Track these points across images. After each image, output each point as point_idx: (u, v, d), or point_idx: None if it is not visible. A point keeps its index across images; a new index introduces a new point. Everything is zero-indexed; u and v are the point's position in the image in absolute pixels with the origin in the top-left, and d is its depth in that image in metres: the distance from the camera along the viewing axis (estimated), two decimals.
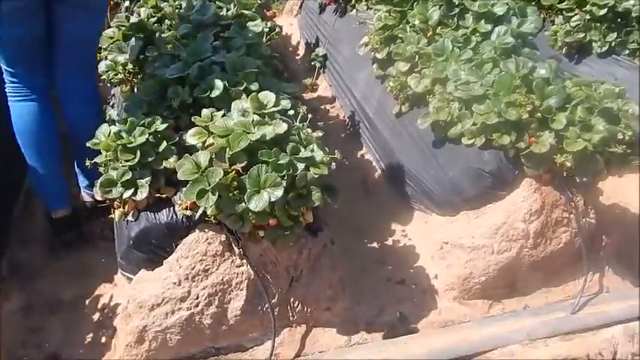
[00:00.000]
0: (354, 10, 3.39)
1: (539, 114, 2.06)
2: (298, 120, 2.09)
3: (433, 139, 2.37)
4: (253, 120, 1.93)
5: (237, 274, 1.84)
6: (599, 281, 2.24)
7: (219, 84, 2.11)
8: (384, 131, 2.75)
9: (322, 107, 3.49)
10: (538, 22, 2.57)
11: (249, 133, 1.84)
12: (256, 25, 2.53)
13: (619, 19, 3.06)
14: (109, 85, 2.72)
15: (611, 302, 2.15)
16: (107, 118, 2.53)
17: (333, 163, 1.94)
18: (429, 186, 2.36)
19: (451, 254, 2.20)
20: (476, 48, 2.43)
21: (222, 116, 2.00)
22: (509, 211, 2.11)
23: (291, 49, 4.23)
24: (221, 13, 2.64)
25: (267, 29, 2.56)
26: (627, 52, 3.01)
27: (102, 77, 2.63)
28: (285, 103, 2.13)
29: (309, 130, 2.05)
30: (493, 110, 2.08)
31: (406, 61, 2.57)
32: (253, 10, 2.78)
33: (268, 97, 2.04)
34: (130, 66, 2.60)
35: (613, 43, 3.04)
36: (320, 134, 2.05)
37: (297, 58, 4.11)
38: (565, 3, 3.22)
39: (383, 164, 2.80)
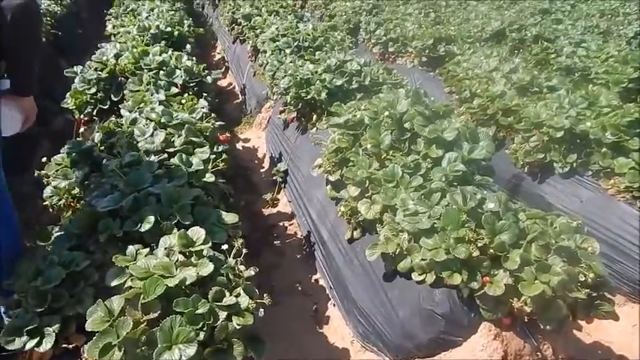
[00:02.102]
0: (315, 129, 3.37)
1: (491, 251, 1.91)
2: (232, 255, 1.92)
3: (384, 271, 2.20)
4: (177, 260, 1.77)
5: None
6: None
7: (150, 217, 1.97)
8: (337, 257, 2.58)
9: (281, 224, 3.35)
10: (490, 147, 2.50)
11: (167, 277, 1.67)
12: (203, 152, 2.44)
13: (578, 140, 3.03)
14: (51, 210, 2.58)
15: None
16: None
17: (262, 310, 1.74)
18: (380, 326, 2.15)
19: None
20: (426, 174, 2.34)
21: (148, 254, 1.84)
22: None
23: (256, 161, 4.18)
24: (172, 140, 2.58)
25: (214, 155, 2.46)
26: (590, 173, 2.95)
27: (45, 203, 2.52)
28: (220, 236, 2.00)
29: (242, 268, 1.88)
30: (441, 246, 1.94)
31: (357, 185, 2.47)
32: (207, 133, 2.72)
33: (198, 233, 1.89)
34: (76, 190, 2.50)
35: (574, 164, 2.99)
36: (252, 273, 1.87)
37: (262, 171, 4.05)
38: (522, 124, 3.22)
39: (336, 293, 2.59)
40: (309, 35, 4.37)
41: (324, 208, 2.84)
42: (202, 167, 2.34)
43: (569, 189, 3.00)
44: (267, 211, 3.51)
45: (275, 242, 3.17)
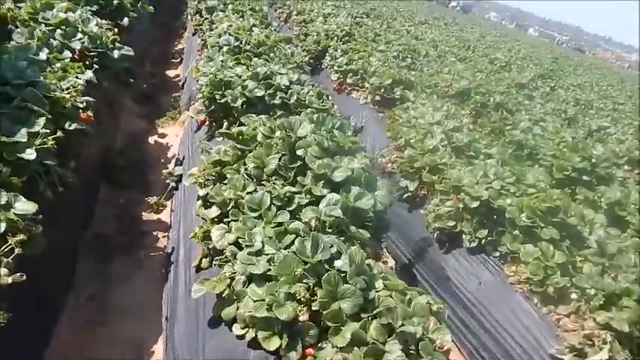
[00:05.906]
0: (222, 138, 2.99)
1: (324, 318, 1.54)
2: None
3: (210, 317, 1.80)
4: None
5: None
6: None
7: None
8: (181, 285, 2.18)
9: (154, 233, 2.93)
10: (387, 199, 2.16)
11: None
12: (36, 125, 1.99)
13: (494, 216, 2.72)
14: None
15: None
16: None
17: None
18: None
19: None
20: (297, 212, 1.97)
21: None
22: None
23: (163, 160, 3.77)
24: None
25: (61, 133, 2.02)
26: (498, 254, 2.62)
27: None
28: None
29: (5, 271, 1.47)
30: (265, 299, 1.56)
31: (219, 206, 2.09)
32: (67, 105, 2.30)
33: None
34: None
35: (483, 241, 2.66)
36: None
37: (165, 171, 3.62)
38: (442, 184, 2.91)
39: (166, 328, 2.16)
40: (257, 40, 4.04)
41: (192, 226, 2.43)
42: (25, 141, 1.90)
43: (472, 267, 2.67)
44: (147, 216, 3.09)
45: (138, 253, 2.74)
